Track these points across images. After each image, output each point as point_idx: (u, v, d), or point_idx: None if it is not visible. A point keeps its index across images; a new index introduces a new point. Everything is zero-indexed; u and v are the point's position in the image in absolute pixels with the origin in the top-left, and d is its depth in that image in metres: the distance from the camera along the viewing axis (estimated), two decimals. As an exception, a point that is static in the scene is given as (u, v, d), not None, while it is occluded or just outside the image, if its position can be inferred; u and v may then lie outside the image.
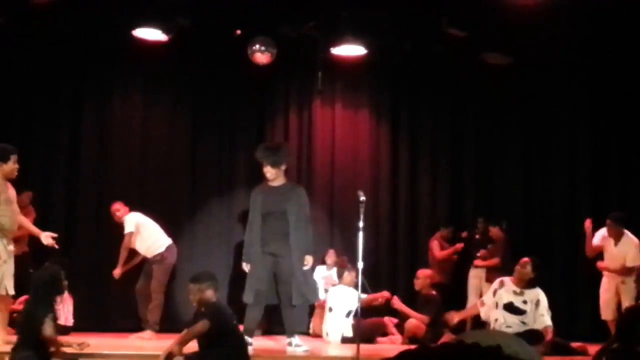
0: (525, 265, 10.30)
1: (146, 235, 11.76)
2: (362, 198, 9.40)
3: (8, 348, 8.10)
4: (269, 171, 9.89)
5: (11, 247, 9.25)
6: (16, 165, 9.28)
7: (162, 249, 11.69)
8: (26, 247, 12.46)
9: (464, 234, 13.83)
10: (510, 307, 10.27)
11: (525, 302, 10.29)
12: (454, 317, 10.92)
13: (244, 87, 14.06)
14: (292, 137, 14.41)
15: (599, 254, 11.63)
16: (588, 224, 11.65)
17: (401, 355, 1.69)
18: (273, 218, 9.82)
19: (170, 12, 12.40)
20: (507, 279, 10.42)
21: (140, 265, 12.10)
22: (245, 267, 9.98)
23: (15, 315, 11.42)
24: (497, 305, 10.31)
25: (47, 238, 9.63)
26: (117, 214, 12.01)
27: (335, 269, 13.17)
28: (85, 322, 12.37)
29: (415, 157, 14.57)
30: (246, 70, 13.32)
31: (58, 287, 8.18)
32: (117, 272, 11.70)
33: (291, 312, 9.93)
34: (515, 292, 10.29)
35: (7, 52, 13.05)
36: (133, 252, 11.93)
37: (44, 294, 7.94)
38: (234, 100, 14.20)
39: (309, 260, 9.80)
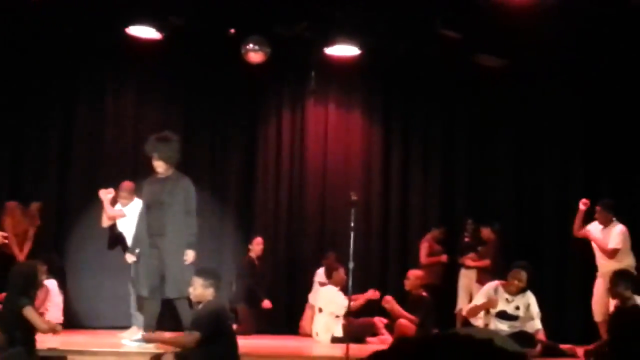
0: (520, 277, 10.29)
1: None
2: (354, 198, 9.40)
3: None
4: (160, 166, 9.71)
5: None
6: None
7: None
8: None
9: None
10: (502, 315, 10.32)
11: (517, 307, 10.33)
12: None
13: (237, 86, 14.07)
14: (285, 136, 14.42)
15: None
16: (583, 203, 11.61)
17: (401, 343, 1.71)
18: (154, 209, 9.63)
19: (164, 11, 12.39)
20: (500, 286, 10.42)
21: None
22: (129, 258, 9.86)
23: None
24: (488, 311, 10.34)
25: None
26: (124, 193, 11.77)
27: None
28: (76, 319, 12.37)
29: (407, 158, 14.58)
30: (239, 69, 13.33)
31: (35, 282, 8.17)
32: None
33: (151, 305, 9.67)
34: (507, 300, 10.33)
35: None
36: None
37: (23, 288, 7.93)
38: (227, 99, 14.20)
39: (189, 254, 9.48)
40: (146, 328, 9.51)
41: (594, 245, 11.44)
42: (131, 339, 9.67)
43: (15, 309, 7.81)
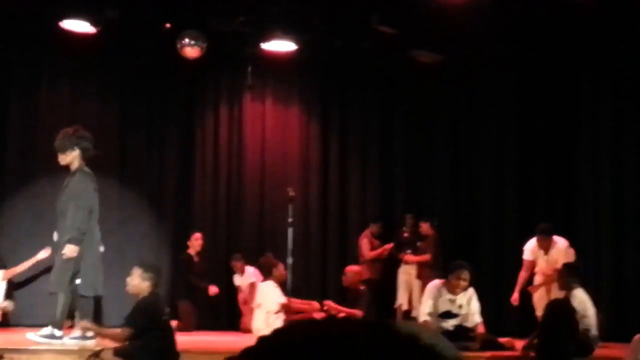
0: (464, 276, 10.34)
1: None
2: (292, 194, 9.39)
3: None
4: (59, 157, 9.65)
5: None
6: None
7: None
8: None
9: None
10: (446, 315, 10.40)
11: (460, 306, 10.41)
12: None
13: (173, 81, 13.98)
14: (222, 132, 14.36)
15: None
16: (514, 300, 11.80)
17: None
18: (62, 206, 9.58)
19: (98, 4, 12.24)
20: (443, 287, 10.47)
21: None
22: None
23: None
24: (431, 314, 10.39)
25: None
26: None
27: (247, 269, 13.31)
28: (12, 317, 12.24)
29: (345, 153, 14.60)
30: (176, 64, 13.23)
31: None
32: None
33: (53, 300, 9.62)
34: (450, 300, 10.40)
35: None
36: None
37: None
38: (164, 94, 14.12)
39: (68, 248, 9.31)
40: (55, 325, 9.41)
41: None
42: (70, 336, 9.53)
43: None
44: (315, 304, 12.45)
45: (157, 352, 7.93)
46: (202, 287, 13.29)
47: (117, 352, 7.92)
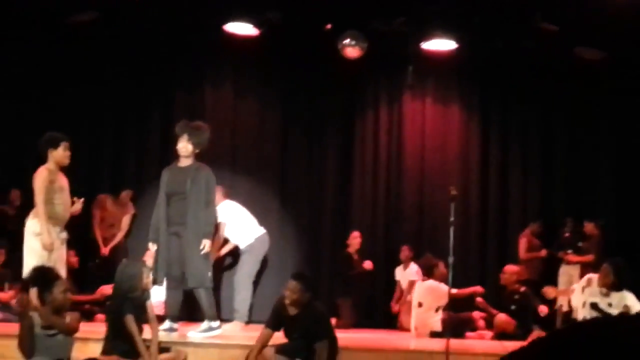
0: (606, 274, 10.09)
1: (237, 224, 11.77)
2: (454, 193, 9.36)
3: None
4: (184, 147, 9.70)
5: (64, 235, 9.32)
6: (67, 152, 9.26)
7: (252, 239, 11.70)
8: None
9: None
10: (595, 307, 10.15)
11: (610, 304, 10.14)
12: (551, 293, 10.82)
13: (334, 81, 14.09)
14: (382, 131, 14.41)
15: None
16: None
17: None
18: (176, 199, 9.61)
19: (261, 7, 12.49)
20: (594, 278, 10.26)
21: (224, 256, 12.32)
22: (151, 247, 9.79)
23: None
24: (584, 304, 10.18)
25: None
26: None
27: (412, 265, 13.27)
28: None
29: (505, 152, 14.45)
30: (336, 64, 13.35)
31: (139, 285, 8.23)
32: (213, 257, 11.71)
33: (172, 295, 9.76)
34: (601, 293, 10.15)
35: (100, 45, 13.34)
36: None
37: (127, 290, 8.00)
38: (324, 94, 14.24)
39: (206, 243, 9.45)
40: (171, 318, 9.63)
41: None
42: (197, 330, 9.72)
43: (119, 314, 7.91)
44: (478, 288, 12.42)
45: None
46: (358, 286, 13.41)
47: (278, 349, 8.09)
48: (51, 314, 7.10)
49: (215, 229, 10.27)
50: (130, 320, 7.79)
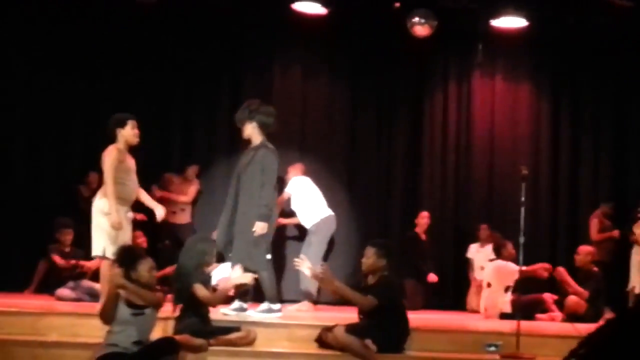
0: None
1: (305, 201, 11.70)
2: (525, 172, 9.24)
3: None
4: (246, 129, 9.62)
5: (130, 215, 9.38)
6: (135, 131, 9.29)
7: (317, 219, 11.62)
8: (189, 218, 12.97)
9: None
10: None
11: None
12: None
13: (402, 60, 14.01)
14: (451, 110, 14.32)
15: None
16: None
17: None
18: (237, 180, 9.52)
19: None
20: None
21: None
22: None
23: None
24: None
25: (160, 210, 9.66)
26: (290, 174, 11.98)
27: (489, 246, 13.14)
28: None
29: (576, 131, 14.28)
30: (405, 43, 13.26)
31: (207, 259, 8.32)
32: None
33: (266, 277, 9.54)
34: None
35: (166, 26, 13.40)
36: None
37: (196, 264, 8.12)
38: (393, 73, 14.17)
39: (258, 226, 9.21)
40: (271, 300, 9.55)
41: None
42: (257, 310, 9.64)
43: (187, 286, 8.00)
44: (546, 265, 12.27)
45: (388, 331, 8.07)
46: (425, 270, 13.32)
47: (348, 328, 8.07)
48: (140, 288, 7.17)
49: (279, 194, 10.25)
50: (198, 288, 7.89)
